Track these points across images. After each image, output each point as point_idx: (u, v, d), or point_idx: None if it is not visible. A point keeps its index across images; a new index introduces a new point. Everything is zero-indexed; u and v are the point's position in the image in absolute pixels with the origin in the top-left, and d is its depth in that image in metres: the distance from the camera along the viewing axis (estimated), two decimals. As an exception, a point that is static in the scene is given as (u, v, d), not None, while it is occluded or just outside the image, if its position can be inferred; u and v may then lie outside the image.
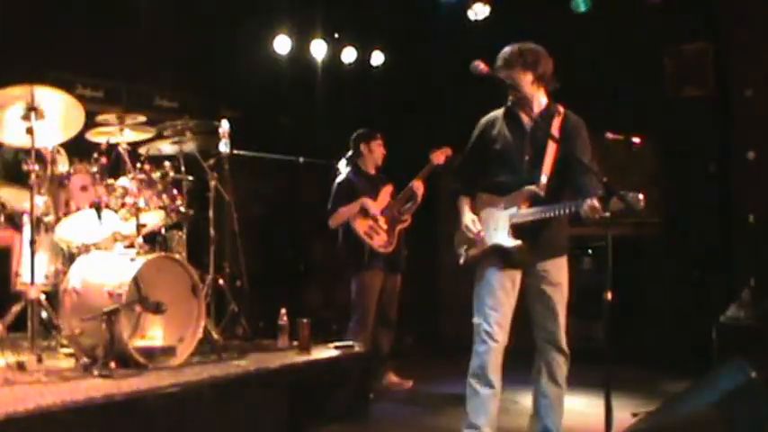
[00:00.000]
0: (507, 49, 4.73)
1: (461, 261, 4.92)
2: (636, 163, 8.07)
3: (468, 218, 4.82)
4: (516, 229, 4.68)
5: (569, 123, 4.75)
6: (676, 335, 7.94)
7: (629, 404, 5.90)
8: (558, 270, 4.80)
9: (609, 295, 4.05)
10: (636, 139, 5.23)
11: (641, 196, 4.06)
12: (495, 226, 4.75)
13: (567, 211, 4.45)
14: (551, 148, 4.64)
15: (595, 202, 4.24)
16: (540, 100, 4.77)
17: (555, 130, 4.68)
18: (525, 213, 4.64)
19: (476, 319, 4.79)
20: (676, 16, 8.26)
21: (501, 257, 4.75)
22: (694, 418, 4.30)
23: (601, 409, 4.09)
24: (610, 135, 5.15)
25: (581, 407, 6.14)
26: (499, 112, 4.86)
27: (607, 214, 4.14)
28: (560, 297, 4.80)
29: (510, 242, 4.68)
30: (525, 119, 4.74)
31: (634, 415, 5.45)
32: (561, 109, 4.78)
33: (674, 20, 8.31)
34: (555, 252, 4.81)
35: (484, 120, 4.92)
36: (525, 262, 4.76)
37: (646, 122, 7.80)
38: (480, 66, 4.49)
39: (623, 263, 4.00)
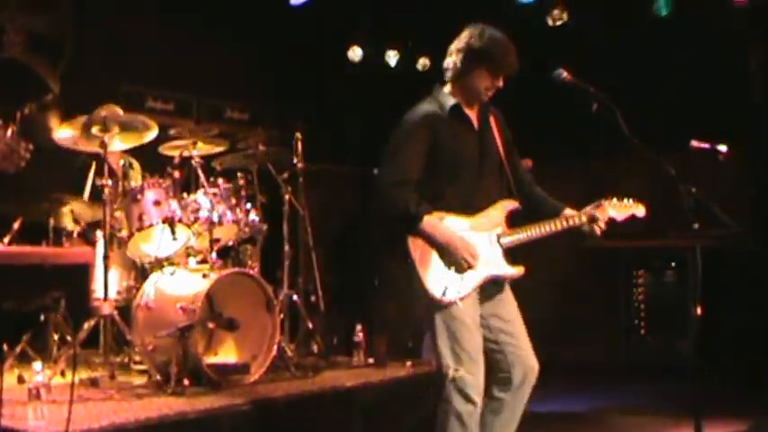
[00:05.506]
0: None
1: (453, 306, 3.84)
2: (720, 172, 7.79)
3: (467, 245, 3.82)
4: (509, 254, 4.00)
5: (499, 117, 4.27)
6: (765, 350, 7.64)
7: (716, 424, 5.66)
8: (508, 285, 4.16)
9: (699, 309, 3.86)
10: (723, 148, 5.00)
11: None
12: (482, 253, 3.87)
13: (565, 226, 4.05)
14: (501, 150, 4.14)
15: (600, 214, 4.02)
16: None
17: (495, 129, 4.19)
18: (520, 234, 4.01)
19: (453, 370, 3.82)
20: (763, 17, 7.95)
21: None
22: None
23: (688, 429, 3.92)
24: (695, 143, 4.94)
25: (668, 426, 5.98)
26: (435, 109, 4.17)
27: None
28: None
29: (513, 271, 4.05)
30: (473, 118, 4.16)
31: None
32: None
33: (760, 21, 8.00)
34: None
35: (418, 118, 4.15)
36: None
37: (731, 129, 7.53)
38: (563, 74, 4.26)
39: (708, 275, 3.82)
